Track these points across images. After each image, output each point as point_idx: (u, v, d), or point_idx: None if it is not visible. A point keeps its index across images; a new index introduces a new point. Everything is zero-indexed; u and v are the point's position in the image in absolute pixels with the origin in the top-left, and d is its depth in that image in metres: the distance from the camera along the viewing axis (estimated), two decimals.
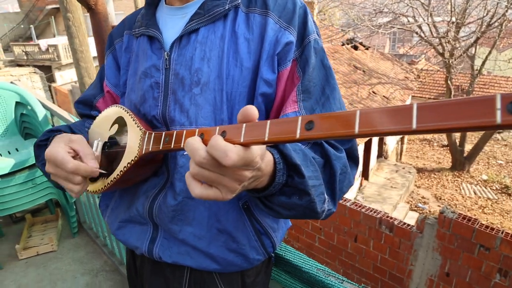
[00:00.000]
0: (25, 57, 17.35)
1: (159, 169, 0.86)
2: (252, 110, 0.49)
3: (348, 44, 13.95)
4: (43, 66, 17.12)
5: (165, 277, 0.91)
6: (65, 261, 2.54)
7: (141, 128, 0.76)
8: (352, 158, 0.79)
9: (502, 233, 4.17)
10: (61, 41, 16.99)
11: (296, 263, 0.92)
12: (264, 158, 0.55)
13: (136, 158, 0.73)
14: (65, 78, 17.18)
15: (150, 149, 0.69)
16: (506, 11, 10.26)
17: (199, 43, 0.79)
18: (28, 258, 2.57)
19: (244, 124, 0.49)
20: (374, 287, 5.59)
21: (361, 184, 10.61)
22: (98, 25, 1.78)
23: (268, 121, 0.46)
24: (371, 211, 5.27)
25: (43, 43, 17.14)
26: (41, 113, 2.54)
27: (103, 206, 1.01)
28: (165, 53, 0.82)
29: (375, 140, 10.99)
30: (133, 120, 0.79)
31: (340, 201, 5.40)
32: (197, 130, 0.56)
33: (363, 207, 5.36)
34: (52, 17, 19.90)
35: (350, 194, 9.86)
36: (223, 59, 0.77)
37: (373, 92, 11.12)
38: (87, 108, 1.03)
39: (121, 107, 0.86)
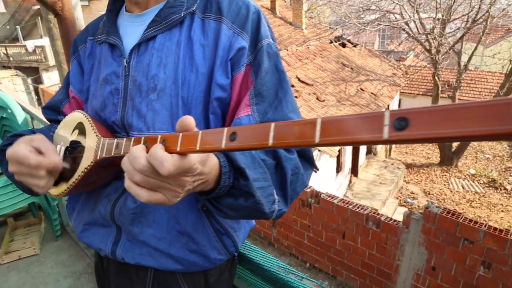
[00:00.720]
0: (11, 59, 17.12)
1: (121, 172, 0.88)
2: (189, 120, 0.51)
3: (336, 41, 14.01)
4: (30, 68, 16.94)
5: (129, 278, 0.93)
6: (48, 264, 2.53)
7: (98, 134, 0.78)
8: (306, 159, 0.82)
9: (485, 226, 4.24)
10: (49, 42, 16.78)
11: (258, 262, 0.94)
12: (206, 163, 0.57)
13: (92, 164, 0.75)
14: (53, 80, 17.01)
15: (103, 155, 0.71)
16: (490, 7, 10.39)
17: (156, 50, 0.81)
18: (10, 262, 2.55)
19: (181, 134, 0.51)
20: (363, 283, 5.65)
21: (350, 181, 10.69)
22: (65, 30, 1.78)
23: (200, 131, 0.49)
24: (358, 207, 5.31)
25: (30, 44, 16.95)
26: (20, 116, 2.52)
27: (70, 209, 1.03)
28: (125, 60, 0.84)
29: None
30: (91, 125, 0.81)
31: (328, 199, 5.45)
32: (142, 138, 0.58)
33: (350, 204, 5.41)
34: (39, 17, 19.60)
35: (340, 191, 9.93)
36: (179, 65, 0.79)
37: (361, 89, 11.20)
38: (54, 113, 1.04)
39: (81, 113, 0.87)
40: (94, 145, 0.76)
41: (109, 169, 0.84)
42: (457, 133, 0.28)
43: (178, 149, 0.50)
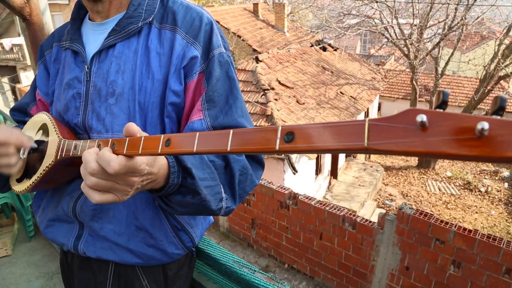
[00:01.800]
0: None
1: None
2: (132, 127, 0.58)
3: (317, 45, 14.19)
4: (7, 67, 16.59)
5: (92, 271, 0.97)
6: (20, 265, 2.52)
7: (59, 135, 0.82)
8: (256, 160, 0.88)
9: (455, 226, 4.37)
10: (24, 40, 16.39)
11: (215, 256, 0.99)
12: (154, 164, 0.63)
13: (52, 163, 0.80)
14: (31, 79, 16.66)
15: (63, 155, 0.76)
16: (464, 16, 10.72)
17: (115, 57, 0.86)
18: None
19: (127, 139, 0.57)
20: (340, 283, 5.74)
21: (330, 183, 10.82)
22: (33, 35, 1.81)
23: (143, 137, 0.55)
24: (334, 209, 5.41)
25: (7, 42, 16.57)
26: None
27: (35, 207, 1.07)
28: (86, 66, 0.89)
29: None
30: (54, 126, 0.86)
31: (305, 200, 5.52)
32: (96, 141, 0.64)
33: (327, 205, 5.50)
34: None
35: (319, 193, 10.05)
36: (136, 72, 0.85)
37: (341, 92, 11.37)
38: (22, 115, 1.09)
39: (46, 114, 0.92)
40: (55, 145, 0.81)
41: (71, 168, 0.88)
42: (329, 147, 0.35)
43: (124, 151, 0.57)
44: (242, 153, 0.43)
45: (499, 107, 0.29)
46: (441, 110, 0.31)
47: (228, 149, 0.44)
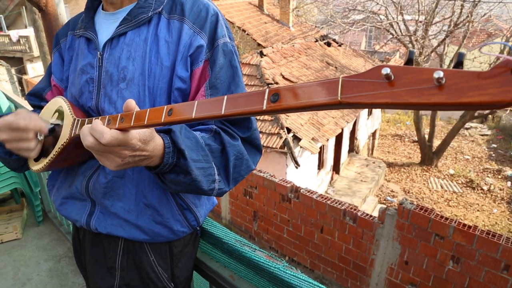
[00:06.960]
0: None
1: None
2: (131, 104, 0.64)
3: (321, 40, 14.19)
4: (14, 58, 16.70)
5: (103, 247, 1.04)
6: (29, 248, 2.61)
7: (73, 115, 0.89)
8: (254, 145, 0.95)
9: (455, 222, 4.42)
10: (33, 32, 16.46)
11: (218, 235, 1.06)
12: (149, 143, 0.69)
13: (67, 141, 0.86)
14: (38, 70, 16.80)
15: (77, 132, 0.83)
16: (470, 13, 10.68)
17: (126, 44, 0.93)
18: None
19: (134, 112, 0.64)
20: (339, 276, 5.82)
21: (332, 178, 10.88)
22: (48, 25, 1.89)
23: (149, 109, 0.62)
24: (336, 202, 5.47)
25: (14, 33, 16.68)
26: (4, 105, 2.59)
27: (50, 186, 1.13)
28: (99, 53, 0.95)
29: (346, 135, 11.27)
30: (69, 108, 0.92)
31: (307, 194, 5.57)
32: (106, 117, 0.71)
33: (328, 199, 5.56)
34: (23, 7, 19.30)
35: (321, 188, 10.11)
36: (146, 59, 0.91)
37: None
38: (37, 99, 1.15)
39: (61, 98, 0.99)
40: (70, 125, 0.88)
41: (84, 148, 0.95)
42: (309, 103, 0.41)
43: (116, 126, 0.64)
44: (235, 116, 0.48)
45: (458, 62, 0.34)
46: (406, 66, 0.36)
47: (223, 112, 0.49)
